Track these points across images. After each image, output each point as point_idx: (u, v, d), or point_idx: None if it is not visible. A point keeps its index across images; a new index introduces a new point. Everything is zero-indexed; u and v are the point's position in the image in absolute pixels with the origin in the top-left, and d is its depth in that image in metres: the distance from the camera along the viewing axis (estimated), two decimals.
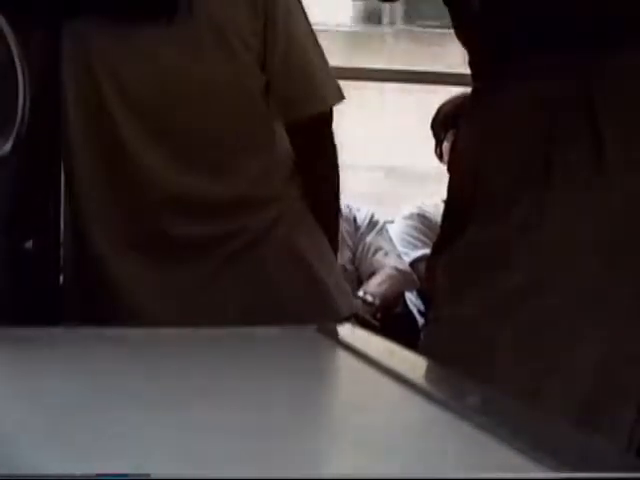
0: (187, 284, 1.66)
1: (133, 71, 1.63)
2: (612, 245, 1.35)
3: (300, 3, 1.75)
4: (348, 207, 3.18)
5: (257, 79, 1.68)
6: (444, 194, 2.94)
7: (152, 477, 0.52)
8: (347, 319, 1.75)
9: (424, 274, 3.01)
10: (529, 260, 1.37)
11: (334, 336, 0.97)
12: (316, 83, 1.73)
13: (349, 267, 3.03)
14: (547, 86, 1.41)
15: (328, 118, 1.77)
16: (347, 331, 1.01)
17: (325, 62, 1.76)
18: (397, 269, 3.06)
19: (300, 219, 1.74)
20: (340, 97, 1.77)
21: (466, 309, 1.42)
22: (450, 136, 3.15)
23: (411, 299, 3.12)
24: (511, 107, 1.45)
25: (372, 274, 3.05)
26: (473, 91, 1.57)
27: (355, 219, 3.16)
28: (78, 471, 0.54)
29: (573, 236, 1.36)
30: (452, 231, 1.51)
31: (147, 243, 1.66)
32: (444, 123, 3.21)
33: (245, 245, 1.67)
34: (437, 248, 1.59)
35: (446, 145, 3.19)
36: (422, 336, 1.58)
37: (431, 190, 3.46)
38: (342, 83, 1.81)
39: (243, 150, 1.69)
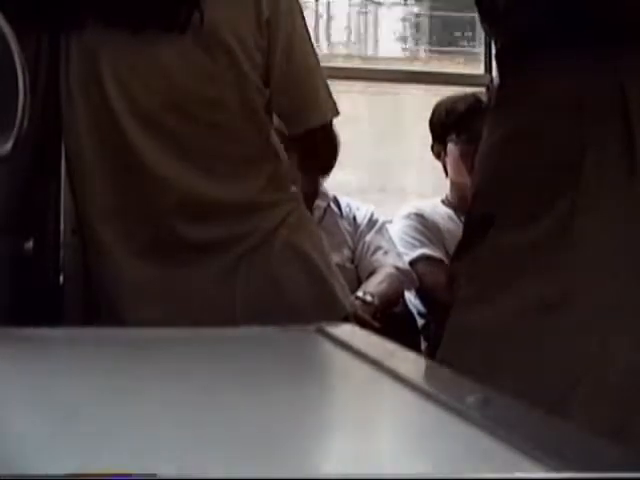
0: (197, 285, 1.68)
1: (143, 86, 1.65)
2: None
3: (303, 20, 1.78)
4: (348, 206, 3.18)
5: (262, 95, 1.71)
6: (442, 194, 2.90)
7: (158, 477, 0.52)
8: (346, 319, 1.77)
9: (428, 275, 3.01)
10: (559, 266, 1.34)
11: (334, 336, 0.97)
12: (316, 99, 1.78)
13: (348, 266, 3.03)
14: (578, 85, 1.36)
15: (326, 130, 1.85)
16: (347, 331, 1.01)
17: (324, 79, 1.81)
18: (397, 268, 3.06)
19: (302, 221, 1.78)
20: (336, 113, 1.82)
21: (490, 315, 1.39)
22: (452, 138, 3.14)
23: (410, 299, 3.12)
24: (541, 107, 1.40)
25: (371, 273, 3.04)
26: (500, 89, 1.53)
27: (355, 218, 3.15)
28: (81, 471, 0.54)
29: (604, 243, 1.33)
30: (474, 235, 1.47)
31: (159, 245, 1.68)
32: (442, 122, 3.21)
33: (253, 246, 1.69)
34: (458, 253, 1.55)
35: (449, 147, 3.19)
36: (442, 341, 1.52)
37: None
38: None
39: (251, 159, 1.72)
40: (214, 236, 1.69)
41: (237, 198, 1.70)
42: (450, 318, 1.50)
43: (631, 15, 1.35)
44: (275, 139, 1.77)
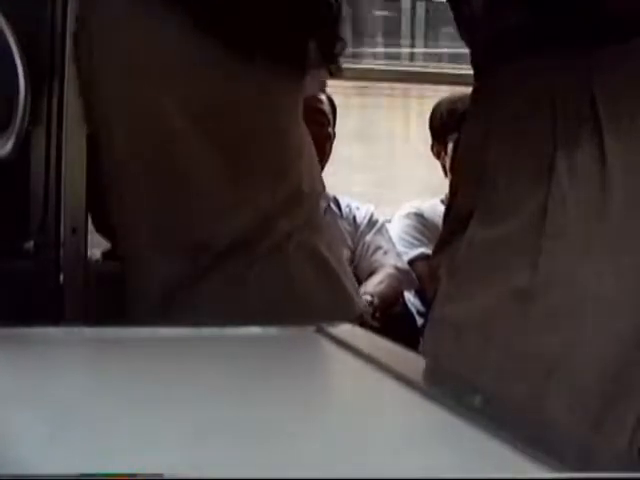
0: (213, 287, 1.67)
1: (194, 84, 1.64)
2: (615, 245, 1.35)
3: None
4: (348, 206, 3.18)
5: (294, 90, 1.72)
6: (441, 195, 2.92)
7: (165, 477, 0.52)
8: (360, 318, 1.77)
9: (427, 274, 3.02)
10: (532, 261, 1.37)
11: (334, 336, 0.97)
12: None
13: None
14: (551, 86, 1.40)
15: None
16: (347, 331, 1.01)
17: None
18: (396, 268, 3.06)
19: (318, 222, 1.77)
20: None
21: (468, 308, 1.42)
22: (453, 138, 3.15)
23: (410, 299, 3.12)
24: (514, 106, 1.44)
25: (371, 273, 3.05)
26: (475, 90, 1.57)
27: (354, 218, 3.16)
28: (81, 471, 0.54)
29: (576, 237, 1.36)
30: (454, 230, 1.51)
31: (184, 247, 1.67)
32: (442, 122, 3.22)
33: (271, 248, 1.68)
34: (439, 248, 1.60)
35: (450, 147, 3.20)
36: (424, 335, 1.58)
37: None
38: None
39: (280, 161, 1.71)
40: (233, 240, 1.68)
41: (262, 201, 1.69)
42: (431, 312, 1.54)
43: (601, 16, 1.38)
44: (302, 136, 1.77)
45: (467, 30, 1.54)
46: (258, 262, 1.68)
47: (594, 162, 1.36)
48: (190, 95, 1.63)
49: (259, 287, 1.67)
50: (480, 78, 1.55)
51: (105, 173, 1.68)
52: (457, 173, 1.63)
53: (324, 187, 1.91)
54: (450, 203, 1.62)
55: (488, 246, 1.43)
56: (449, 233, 1.55)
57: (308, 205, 1.75)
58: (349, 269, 1.88)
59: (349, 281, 1.82)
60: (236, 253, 1.67)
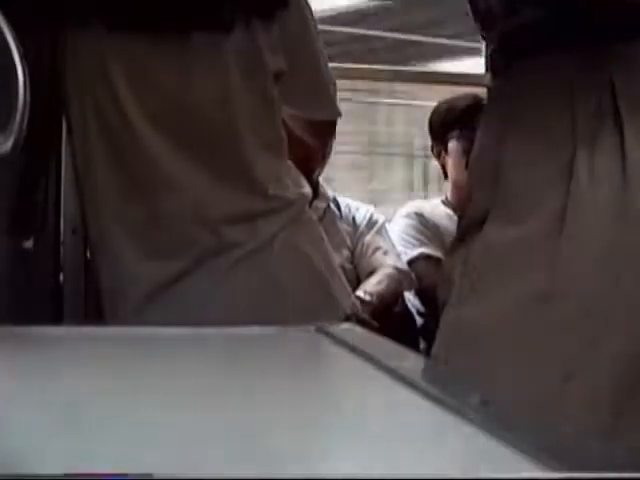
0: (198, 288, 1.67)
1: (155, 84, 1.63)
2: (633, 247, 1.33)
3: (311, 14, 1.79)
4: (347, 206, 3.18)
5: (273, 88, 1.71)
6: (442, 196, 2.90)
7: (154, 477, 0.52)
8: (347, 319, 1.76)
9: (427, 273, 3.02)
10: (550, 263, 1.35)
11: (334, 335, 0.97)
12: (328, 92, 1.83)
13: (348, 266, 3.03)
14: (570, 84, 1.38)
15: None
16: (347, 330, 1.01)
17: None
18: (396, 268, 3.06)
19: (304, 222, 1.77)
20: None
21: (484, 310, 1.40)
22: (453, 136, 3.15)
23: (410, 299, 3.12)
24: (532, 105, 1.42)
25: (371, 273, 3.04)
26: (491, 89, 1.56)
27: (354, 218, 3.16)
28: (79, 471, 0.54)
29: (595, 238, 1.34)
30: (468, 231, 1.49)
31: (167, 248, 1.66)
32: (441, 121, 3.22)
33: (254, 249, 1.68)
34: (452, 249, 1.58)
35: (451, 146, 3.20)
36: (436, 338, 1.54)
37: None
38: None
39: (261, 159, 1.71)
40: (215, 240, 1.67)
41: (243, 203, 1.69)
42: (444, 314, 1.52)
43: (619, 13, 1.37)
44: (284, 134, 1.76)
45: (485, 26, 1.53)
46: (243, 262, 1.68)
47: (614, 162, 1.34)
48: (148, 94, 1.63)
49: (244, 287, 1.67)
50: (497, 76, 1.53)
51: (78, 173, 1.67)
52: (472, 174, 1.61)
53: (314, 191, 1.92)
54: (465, 205, 1.59)
55: (505, 247, 1.41)
56: (463, 234, 1.53)
57: (294, 208, 1.74)
58: (339, 270, 1.88)
59: (337, 282, 1.81)
60: (221, 253, 1.67)
